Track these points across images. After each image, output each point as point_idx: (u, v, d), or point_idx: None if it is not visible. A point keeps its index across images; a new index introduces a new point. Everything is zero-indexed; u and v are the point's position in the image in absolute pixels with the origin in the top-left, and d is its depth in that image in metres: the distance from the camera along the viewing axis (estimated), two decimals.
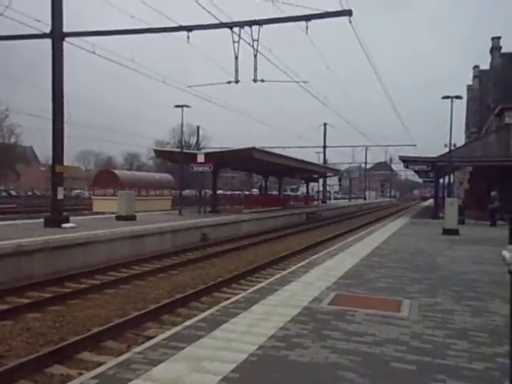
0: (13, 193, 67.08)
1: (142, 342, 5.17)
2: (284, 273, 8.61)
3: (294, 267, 9.30)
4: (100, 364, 4.82)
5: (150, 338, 5.86)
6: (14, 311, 7.81)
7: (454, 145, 28.82)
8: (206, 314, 5.59)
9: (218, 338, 4.59)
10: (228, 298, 7.29)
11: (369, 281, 7.80)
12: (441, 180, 34.46)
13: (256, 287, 7.27)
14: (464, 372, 3.96)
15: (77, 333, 6.75)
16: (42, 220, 15.54)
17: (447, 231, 16.74)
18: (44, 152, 70.13)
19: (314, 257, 10.77)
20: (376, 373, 3.88)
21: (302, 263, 9.76)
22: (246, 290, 7.72)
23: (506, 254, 1.75)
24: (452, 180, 43.34)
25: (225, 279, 10.58)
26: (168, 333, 4.82)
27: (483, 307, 6.21)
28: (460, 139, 50.36)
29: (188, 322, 5.19)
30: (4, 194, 64.67)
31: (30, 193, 66.61)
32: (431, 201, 46.10)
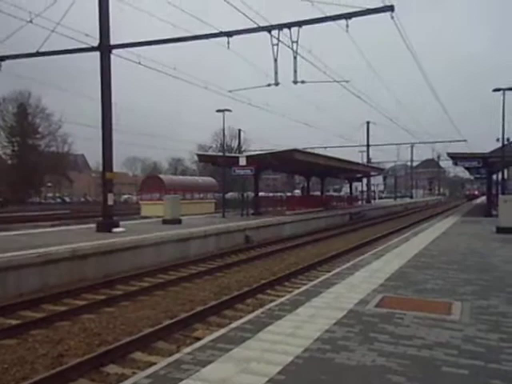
0: (66, 199, 70.43)
1: (191, 343, 5.33)
2: (328, 275, 8.56)
3: (338, 269, 9.22)
4: (151, 364, 5.02)
5: (198, 339, 6.01)
6: (72, 312, 8.22)
7: (508, 139, 27.57)
8: (252, 316, 5.66)
9: (264, 340, 4.65)
10: (272, 300, 7.35)
11: (417, 282, 7.62)
12: (494, 176, 33.01)
13: (300, 289, 7.28)
14: None
15: (129, 333, 7.02)
16: (94, 225, 16.24)
17: (501, 230, 16.03)
18: (94, 159, 73.12)
19: (358, 258, 10.63)
20: (425, 377, 3.81)
21: (347, 265, 9.66)
22: (290, 291, 7.76)
23: None
24: (506, 176, 41.39)
25: (268, 281, 10.64)
26: (215, 334, 4.93)
27: None
28: None
29: (234, 324, 5.29)
30: (59, 200, 68.02)
31: (82, 199, 69.69)
32: (482, 199, 44.07)
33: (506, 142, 24.16)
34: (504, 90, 22.40)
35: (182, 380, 3.68)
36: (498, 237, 14.88)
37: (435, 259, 10.10)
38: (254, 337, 4.77)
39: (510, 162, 26.33)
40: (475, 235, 15.39)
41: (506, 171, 34.47)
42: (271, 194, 47.56)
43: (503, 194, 25.00)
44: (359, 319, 5.45)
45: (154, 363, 4.77)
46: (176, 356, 4.27)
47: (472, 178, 57.03)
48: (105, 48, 15.51)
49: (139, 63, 14.81)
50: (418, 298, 6.59)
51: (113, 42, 15.83)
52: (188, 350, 4.44)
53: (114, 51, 15.68)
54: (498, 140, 25.13)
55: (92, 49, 15.61)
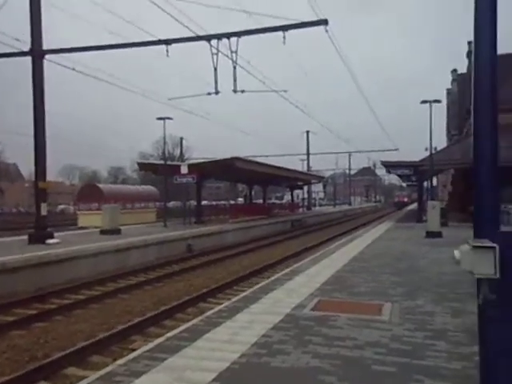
0: None
1: (127, 355, 5.20)
2: (268, 281, 8.70)
3: (277, 275, 9.39)
4: (85, 378, 4.84)
5: (135, 350, 5.88)
6: None
7: (435, 148, 29.37)
8: (189, 324, 5.64)
9: (201, 348, 4.65)
10: (213, 308, 7.35)
11: (352, 286, 7.92)
12: (425, 183, 34.97)
13: (240, 296, 7.34)
14: (443, 371, 4.07)
15: (62, 348, 6.73)
16: (26, 237, 15.40)
17: (430, 234, 17.02)
18: (28, 168, 69.41)
19: (297, 264, 10.88)
20: (355, 376, 3.99)
21: (286, 271, 9.85)
22: (230, 299, 7.78)
23: (456, 252, 1.87)
24: (436, 183, 43.98)
25: (210, 289, 10.61)
26: (151, 344, 4.86)
27: (462, 308, 6.35)
28: (443, 142, 51.25)
29: (171, 333, 5.24)
30: None
31: (14, 209, 65.68)
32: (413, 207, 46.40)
33: (433, 151, 25.71)
34: (430, 102, 23.92)
35: None
36: (427, 241, 15.79)
37: (369, 263, 10.56)
38: (190, 345, 4.75)
39: (437, 169, 28.05)
40: (407, 240, 16.23)
41: (436, 178, 36.62)
42: (214, 203, 47.43)
43: (432, 200, 26.53)
44: (295, 323, 5.59)
45: (88, 377, 4.61)
46: (109, 368, 4.16)
47: (404, 185, 60.44)
48: (37, 53, 14.86)
49: (73, 69, 14.35)
50: (351, 300, 6.86)
51: (46, 47, 15.20)
52: (122, 361, 4.35)
53: (48, 57, 15.05)
54: (426, 149, 26.74)
55: (23, 53, 14.91)
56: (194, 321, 5.84)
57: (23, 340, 7.25)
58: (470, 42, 37.36)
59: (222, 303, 8.11)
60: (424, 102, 24.60)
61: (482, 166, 1.98)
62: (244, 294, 7.57)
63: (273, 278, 8.98)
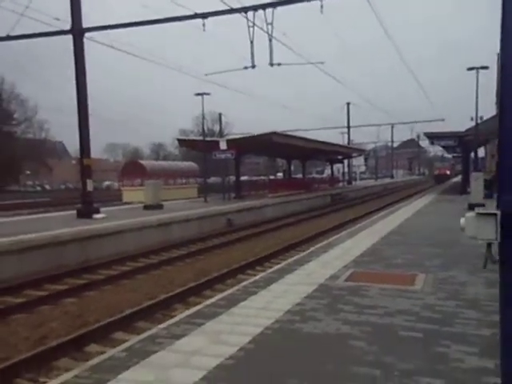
0: (47, 187, 69.48)
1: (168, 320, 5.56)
2: (304, 254, 8.89)
3: (313, 248, 9.55)
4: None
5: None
6: (53, 297, 8.39)
7: (481, 117, 28.12)
8: (226, 293, 5.94)
9: (236, 315, 4.92)
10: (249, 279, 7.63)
11: (387, 258, 7.99)
12: (472, 154, 33.69)
13: (276, 268, 7.58)
14: (470, 338, 4.15)
15: (110, 315, 7.24)
16: (75, 212, 16.28)
17: (473, 206, 16.56)
18: (74, 146, 72.14)
19: (334, 237, 10.98)
20: (383, 341, 4.14)
21: (322, 244, 9.99)
22: (266, 271, 8.03)
23: (462, 220, 1.97)
24: (484, 154, 42.21)
25: (248, 262, 10.92)
26: (190, 311, 5.19)
27: (496, 278, 6.29)
28: (492, 110, 48.84)
29: (209, 301, 5.55)
30: (38, 188, 67.07)
31: (62, 186, 68.83)
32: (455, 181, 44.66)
33: (479, 121, 24.68)
34: (477, 68, 22.83)
35: (156, 352, 3.93)
36: None
37: (407, 236, 10.52)
38: (227, 312, 5.04)
39: (484, 139, 26.95)
40: (448, 213, 15.91)
41: (483, 149, 35.13)
42: (254, 178, 47.78)
43: (478, 171, 25.62)
44: (328, 292, 5.77)
45: None
46: (152, 331, 4.51)
47: (448, 156, 58.55)
48: (78, 31, 15.34)
49: (112, 47, 14.73)
50: (385, 271, 6.94)
51: (84, 25, 15.64)
52: (163, 325, 4.69)
53: (87, 35, 15.50)
54: (472, 119, 25.67)
55: (65, 32, 15.43)
56: (231, 290, 6.13)
57: (75, 307, 7.83)
58: None
59: (259, 274, 8.40)
60: (471, 68, 23.53)
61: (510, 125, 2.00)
62: (280, 265, 7.80)
63: (309, 251, 9.15)
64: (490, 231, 1.82)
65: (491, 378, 3.27)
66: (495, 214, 1.81)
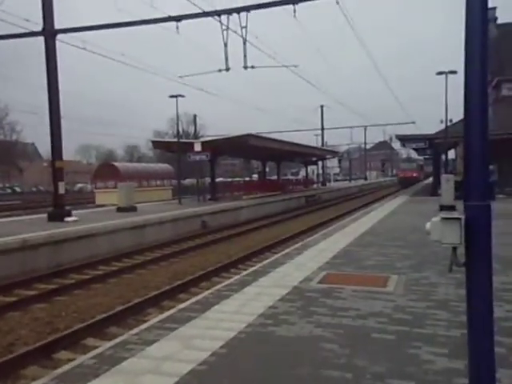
0: (17, 189, 67.61)
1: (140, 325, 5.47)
2: (278, 255, 8.90)
3: (288, 250, 9.58)
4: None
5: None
6: (22, 302, 8.16)
7: (451, 120, 28.84)
8: (200, 297, 5.89)
9: (210, 319, 4.88)
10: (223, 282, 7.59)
11: (360, 259, 8.07)
12: (443, 156, 34.44)
13: (250, 270, 7.56)
14: (441, 339, 4.23)
15: (81, 320, 7.09)
16: (46, 215, 15.89)
17: (444, 208, 16.96)
18: (46, 148, 70.48)
19: (308, 239, 11.05)
20: (356, 343, 4.17)
21: (297, 245, 10.04)
22: (241, 273, 8.01)
23: (427, 225, 2.01)
24: (454, 156, 43.22)
25: (223, 265, 10.89)
26: (162, 316, 5.12)
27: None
28: (461, 114, 50.06)
29: (182, 305, 5.49)
30: (9, 190, 65.20)
31: (34, 189, 67.12)
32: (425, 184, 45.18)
33: (448, 124, 25.31)
34: (446, 73, 23.43)
35: (126, 359, 3.86)
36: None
37: (380, 237, 10.67)
38: (200, 316, 4.99)
39: (454, 142, 27.62)
40: (419, 214, 16.21)
41: (454, 151, 35.94)
42: (229, 180, 47.69)
43: (449, 173, 26.21)
44: (302, 295, 5.79)
45: None
46: (122, 337, 4.43)
47: (415, 156, 58.97)
48: (49, 32, 15.00)
49: (84, 49, 14.46)
50: (358, 273, 7.01)
51: (56, 27, 15.31)
52: (135, 331, 4.61)
53: (59, 36, 15.18)
54: (441, 121, 26.30)
55: (36, 33, 15.08)
56: (205, 293, 6.08)
57: (45, 313, 7.63)
58: (489, 9, 36.12)
59: (234, 277, 8.38)
60: (440, 73, 24.13)
61: (474, 134, 2.04)
62: (254, 268, 7.79)
63: (283, 253, 9.17)
64: (454, 235, 1.86)
65: (461, 379, 3.32)
66: (459, 219, 1.85)
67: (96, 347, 5.84)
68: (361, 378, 3.46)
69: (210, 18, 14.37)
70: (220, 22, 14.09)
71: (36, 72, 17.68)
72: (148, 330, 4.63)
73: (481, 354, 1.95)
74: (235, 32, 14.08)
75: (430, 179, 43.37)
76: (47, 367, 5.45)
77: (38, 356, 5.70)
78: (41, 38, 15.13)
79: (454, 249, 1.99)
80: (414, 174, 48.96)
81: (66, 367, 3.86)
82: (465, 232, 1.83)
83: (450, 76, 23.76)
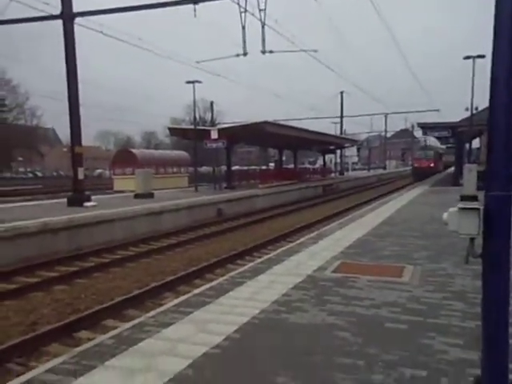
0: (38, 174, 68.99)
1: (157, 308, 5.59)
2: (292, 244, 8.93)
3: (303, 239, 9.60)
4: None
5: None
6: (44, 284, 8.40)
7: (476, 108, 28.16)
8: (214, 283, 5.97)
9: (224, 304, 4.96)
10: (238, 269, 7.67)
11: (376, 249, 8.04)
12: (467, 145, 33.71)
13: (264, 258, 7.62)
14: (455, 329, 4.21)
15: (101, 302, 7.27)
16: (66, 200, 16.20)
17: (465, 198, 16.68)
18: (66, 133, 71.50)
19: (324, 228, 11.04)
20: (368, 332, 4.19)
21: (312, 235, 10.05)
22: (255, 261, 8.07)
23: (445, 215, 2.00)
24: (479, 145, 42.25)
25: (238, 252, 10.97)
26: (178, 300, 5.21)
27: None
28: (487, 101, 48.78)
29: (197, 290, 5.58)
30: (30, 175, 66.58)
31: (54, 173, 68.37)
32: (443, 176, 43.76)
33: (474, 111, 24.69)
34: (474, 57, 22.76)
35: (143, 340, 3.96)
36: None
37: (397, 227, 10.60)
38: (214, 301, 5.07)
39: (479, 130, 26.99)
40: (439, 204, 16.01)
41: (479, 140, 35.12)
42: (246, 168, 47.74)
43: (473, 162, 25.64)
44: (315, 284, 5.82)
45: None
46: (140, 319, 4.53)
47: (431, 143, 57.44)
48: (67, 16, 15.13)
49: (101, 32, 14.53)
50: (374, 263, 7.00)
51: (74, 10, 15.42)
52: (151, 313, 4.71)
53: (76, 20, 15.29)
54: (466, 109, 25.64)
55: (54, 17, 15.21)
56: (219, 280, 6.16)
57: (66, 294, 7.84)
58: None
59: (248, 264, 8.45)
60: (467, 57, 23.49)
61: (498, 121, 1.99)
62: (268, 256, 7.84)
63: (298, 242, 9.20)
64: (472, 226, 1.86)
65: (474, 370, 3.32)
66: (478, 209, 1.84)
67: (115, 328, 6.04)
68: (373, 365, 3.49)
69: (228, 0, 14.25)
70: (238, 3, 13.97)
71: (57, 58, 17.78)
72: (164, 313, 4.73)
73: (495, 347, 1.95)
74: (253, 15, 13.96)
75: (451, 169, 42.38)
76: (69, 345, 5.63)
77: (59, 334, 5.89)
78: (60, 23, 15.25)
79: (472, 240, 1.98)
80: (432, 164, 42.03)
81: (86, 345, 4.00)
82: (483, 223, 1.82)
83: (479, 61, 23.09)
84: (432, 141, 51.40)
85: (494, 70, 2.00)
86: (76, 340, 5.81)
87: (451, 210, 1.99)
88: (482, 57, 23.09)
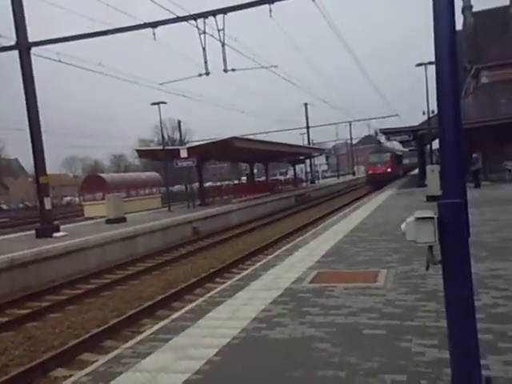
0: (4, 207, 66.79)
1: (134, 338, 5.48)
2: (269, 257, 8.94)
3: (279, 251, 9.62)
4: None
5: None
6: (15, 322, 8.10)
7: (433, 111, 29.14)
8: (193, 305, 5.90)
9: (203, 327, 4.91)
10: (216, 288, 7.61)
11: (350, 256, 8.14)
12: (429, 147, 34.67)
13: (241, 274, 7.59)
14: (430, 330, 4.30)
15: (76, 336, 7.06)
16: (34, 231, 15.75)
17: (431, 198, 17.12)
18: (30, 162, 69.72)
19: (299, 239, 11.11)
20: (348, 341, 4.23)
21: (287, 246, 10.09)
22: (233, 278, 8.03)
23: (402, 226, 2.07)
24: (439, 146, 43.54)
25: (216, 270, 10.90)
26: (156, 327, 5.13)
27: None
28: None
29: (175, 315, 5.50)
30: None
31: (20, 205, 66.31)
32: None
33: (431, 115, 25.55)
34: (425, 64, 23.66)
35: (121, 373, 3.87)
36: (427, 205, 15.91)
37: (368, 232, 10.76)
38: (193, 324, 5.01)
39: (436, 132, 27.89)
40: (407, 206, 16.35)
41: (438, 141, 36.24)
42: (218, 183, 47.67)
43: (436, 163, 26.39)
44: (294, 296, 5.83)
45: None
46: (116, 352, 4.43)
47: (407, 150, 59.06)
48: (23, 46, 14.90)
49: (59, 61, 14.35)
50: (349, 270, 7.08)
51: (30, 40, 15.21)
52: (129, 344, 4.61)
53: (33, 50, 15.08)
54: (424, 113, 26.54)
55: (10, 48, 14.96)
56: (198, 301, 6.10)
57: (39, 331, 7.59)
58: None
59: (226, 282, 8.40)
60: (419, 64, 24.36)
61: (447, 127, 2.05)
62: (246, 272, 7.82)
63: (275, 254, 9.21)
64: (428, 235, 1.92)
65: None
66: (433, 218, 1.91)
67: (92, 362, 5.87)
68: (354, 375, 3.51)
69: (186, 24, 14.37)
70: (197, 26, 14.10)
71: (15, 86, 17.44)
72: (142, 342, 4.64)
73: (464, 351, 2.00)
74: (212, 36, 14.11)
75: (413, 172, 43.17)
76: None
77: (33, 376, 5.67)
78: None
79: (430, 247, 2.05)
80: (388, 169, 36.90)
81: None
82: (438, 231, 1.89)
83: (431, 68, 23.95)
84: (395, 145, 47.92)
85: (439, 76, 2.08)
86: (51, 380, 5.62)
87: (408, 220, 2.05)
88: (433, 63, 23.94)
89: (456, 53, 2.27)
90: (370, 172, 37.39)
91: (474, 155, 23.05)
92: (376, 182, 34.27)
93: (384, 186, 31.73)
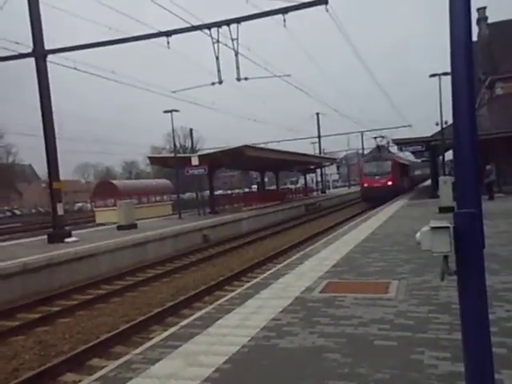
0: (17, 212, 67.60)
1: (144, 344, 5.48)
2: (279, 266, 8.91)
3: (289, 260, 9.59)
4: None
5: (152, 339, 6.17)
6: (26, 326, 8.15)
7: (446, 122, 28.97)
8: (202, 312, 5.90)
9: (213, 334, 4.90)
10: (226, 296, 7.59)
11: (361, 266, 8.08)
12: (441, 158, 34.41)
13: (252, 282, 7.58)
14: (443, 343, 4.24)
15: (86, 341, 7.08)
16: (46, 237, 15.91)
17: (443, 209, 16.97)
18: (43, 168, 70.64)
19: (309, 248, 11.06)
20: (358, 351, 4.18)
21: (298, 255, 10.05)
22: (243, 286, 8.02)
23: (417, 235, 2.05)
24: (453, 157, 43.23)
25: (225, 278, 10.89)
26: (165, 333, 5.13)
27: None
28: None
29: (184, 322, 5.50)
30: (8, 213, 65.14)
31: (33, 210, 67.05)
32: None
33: (444, 125, 25.37)
34: (439, 75, 23.55)
35: (131, 379, 3.87)
36: (440, 216, 15.77)
37: (380, 243, 10.68)
38: (202, 332, 5.01)
39: (450, 143, 27.68)
40: (419, 217, 16.22)
41: (452, 152, 35.99)
42: (228, 192, 47.77)
43: (449, 175, 26.14)
44: (304, 305, 5.80)
45: None
46: (127, 357, 4.44)
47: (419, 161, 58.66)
48: (39, 54, 15.17)
49: (75, 68, 14.60)
50: (359, 280, 7.03)
51: (47, 47, 15.49)
52: (139, 350, 4.62)
53: (49, 58, 15.35)
54: (437, 124, 26.35)
55: (27, 55, 15.26)
56: (207, 309, 6.09)
57: (49, 336, 7.63)
58: (479, 9, 36.34)
59: (235, 290, 8.38)
60: (433, 75, 24.24)
61: (462, 140, 2.03)
62: (256, 280, 7.80)
63: (285, 263, 9.18)
64: (444, 244, 1.90)
65: (464, 383, 3.33)
66: (448, 228, 1.90)
67: (101, 367, 5.88)
68: None
69: (200, 32, 14.52)
70: (210, 35, 14.25)
71: (31, 93, 17.77)
72: (152, 348, 4.64)
73: (478, 368, 1.97)
74: (226, 45, 14.24)
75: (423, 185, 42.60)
76: None
77: (43, 380, 5.70)
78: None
79: (445, 257, 2.03)
80: (389, 182, 29.31)
81: None
82: (454, 241, 1.87)
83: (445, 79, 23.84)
84: (400, 153, 38.82)
85: (455, 86, 2.07)
86: None
87: (423, 229, 2.04)
88: (448, 74, 23.75)
89: (472, 64, 2.26)
90: (366, 185, 30.10)
91: (488, 167, 22.80)
92: (372, 198, 28.16)
93: (383, 203, 25.40)
